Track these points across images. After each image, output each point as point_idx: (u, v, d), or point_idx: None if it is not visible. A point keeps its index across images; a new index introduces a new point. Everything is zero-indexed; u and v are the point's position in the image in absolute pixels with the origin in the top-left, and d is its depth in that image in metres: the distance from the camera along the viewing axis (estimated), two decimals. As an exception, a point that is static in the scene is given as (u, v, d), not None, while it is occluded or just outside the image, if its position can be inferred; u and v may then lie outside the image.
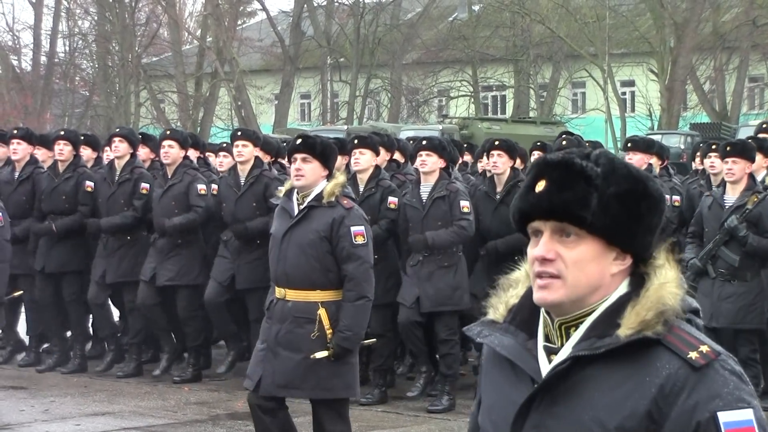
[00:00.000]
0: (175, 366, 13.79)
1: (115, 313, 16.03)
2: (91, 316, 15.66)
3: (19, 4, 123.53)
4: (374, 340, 10.37)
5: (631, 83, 56.98)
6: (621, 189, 3.25)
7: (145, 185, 14.35)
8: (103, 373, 14.79)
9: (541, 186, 3.21)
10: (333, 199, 8.96)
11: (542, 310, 3.34)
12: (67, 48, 65.13)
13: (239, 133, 14.35)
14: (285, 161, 14.37)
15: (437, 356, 12.54)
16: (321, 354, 8.71)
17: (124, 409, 12.96)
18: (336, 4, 59.76)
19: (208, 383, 13.40)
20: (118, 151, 14.60)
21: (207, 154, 16.80)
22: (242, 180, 13.66)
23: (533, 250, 3.23)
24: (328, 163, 9.11)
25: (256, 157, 13.87)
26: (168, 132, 15.25)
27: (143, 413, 12.74)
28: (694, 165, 17.16)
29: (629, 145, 14.64)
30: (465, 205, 12.19)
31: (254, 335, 11.34)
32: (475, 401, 3.60)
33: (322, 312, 8.88)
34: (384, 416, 12.06)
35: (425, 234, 11.93)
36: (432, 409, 11.27)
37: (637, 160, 13.54)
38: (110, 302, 15.34)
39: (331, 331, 8.84)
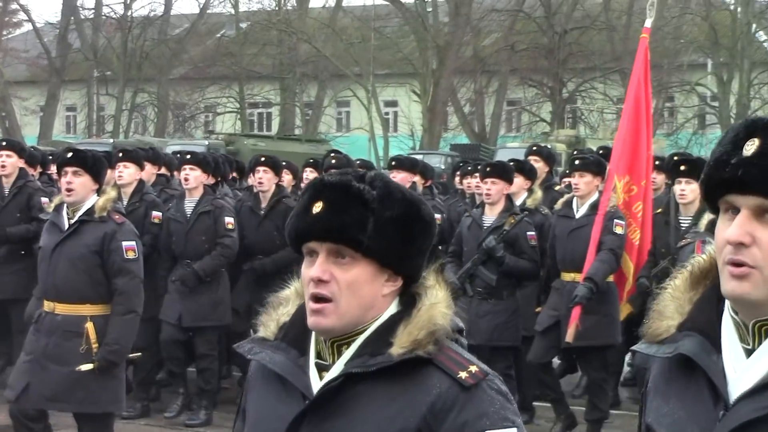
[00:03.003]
0: None
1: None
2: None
3: None
4: (140, 354, 9.63)
5: (395, 103, 56.60)
6: (396, 213, 3.19)
7: None
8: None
9: (318, 207, 3.16)
10: (105, 213, 8.46)
11: None
12: None
13: (3, 143, 13.18)
14: (54, 173, 12.95)
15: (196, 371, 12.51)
16: (86, 366, 8.18)
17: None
18: (104, 17, 58.47)
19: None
20: None
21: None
22: (6, 191, 12.69)
23: (309, 271, 3.17)
24: (98, 177, 8.61)
25: (21, 168, 12.84)
26: None
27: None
28: (455, 184, 17.58)
29: (394, 163, 14.32)
30: (229, 221, 11.78)
31: (17, 347, 10.68)
32: (238, 416, 3.48)
33: (89, 325, 8.33)
34: (147, 430, 11.59)
35: (193, 267, 11.40)
36: (189, 423, 11.00)
37: (401, 178, 13.19)
38: None
39: (97, 345, 8.33)
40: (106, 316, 8.60)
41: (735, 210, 2.67)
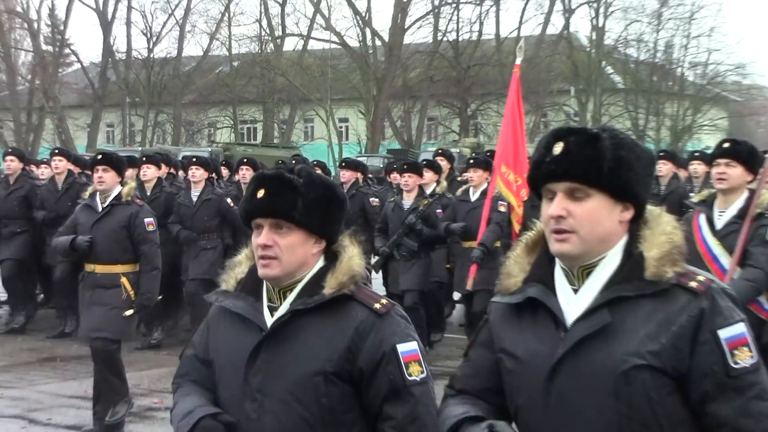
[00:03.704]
0: None
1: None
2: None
3: None
4: (160, 296, 10.04)
5: (346, 120, 57.75)
6: (318, 194, 3.54)
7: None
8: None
9: (261, 193, 3.49)
10: (129, 198, 9.10)
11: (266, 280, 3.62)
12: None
13: (56, 151, 14.47)
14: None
15: None
16: (129, 312, 8.90)
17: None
18: (133, 58, 58.21)
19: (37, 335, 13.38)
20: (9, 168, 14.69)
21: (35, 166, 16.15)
22: (59, 186, 13.71)
23: (257, 239, 3.51)
24: (121, 172, 9.23)
25: (69, 169, 13.84)
26: (10, 149, 15.41)
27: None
28: (388, 179, 17.28)
29: (343, 164, 14.97)
30: (230, 202, 12.65)
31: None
32: (187, 347, 3.78)
33: (124, 280, 9.04)
34: (151, 355, 12.33)
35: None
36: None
37: (348, 175, 14.26)
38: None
39: (133, 292, 8.98)
40: (135, 272, 9.17)
41: (553, 194, 3.11)
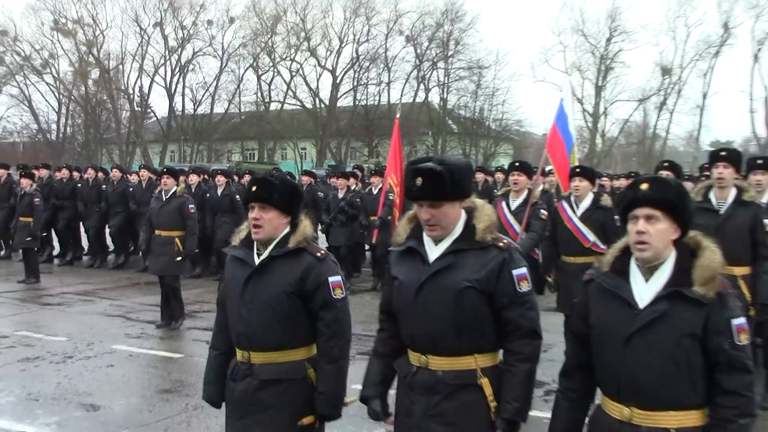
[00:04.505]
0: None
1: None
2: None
3: None
4: (197, 250, 11.31)
5: (305, 148, 60.07)
6: (287, 189, 4.15)
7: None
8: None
9: (254, 188, 4.10)
10: (181, 193, 10.92)
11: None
12: None
13: (142, 167, 17.22)
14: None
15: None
16: (179, 258, 10.80)
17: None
18: (186, 113, 61.74)
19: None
20: None
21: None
22: (143, 186, 15.86)
23: (251, 215, 4.05)
24: (177, 178, 10.89)
25: (150, 177, 16.19)
26: None
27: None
28: (329, 182, 19.00)
29: (304, 173, 17.36)
30: (237, 197, 14.47)
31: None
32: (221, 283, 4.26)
33: (177, 240, 10.96)
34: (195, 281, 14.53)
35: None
36: None
37: (306, 179, 16.62)
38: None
39: (182, 247, 10.84)
40: (182, 236, 10.81)
41: (422, 206, 3.69)
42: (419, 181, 3.68)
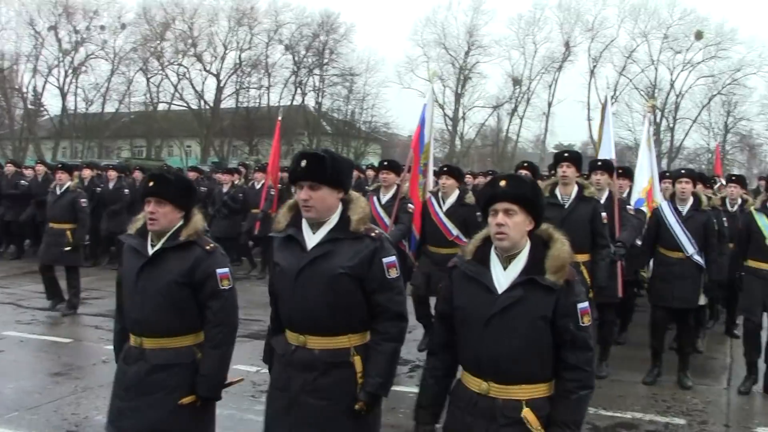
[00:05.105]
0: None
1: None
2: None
3: None
4: (88, 242, 10.28)
5: (190, 146, 57.09)
6: (181, 185, 4.12)
7: None
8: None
9: (151, 184, 4.06)
10: (74, 188, 10.34)
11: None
12: None
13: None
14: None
15: None
16: (68, 248, 10.18)
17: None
18: (72, 111, 56.49)
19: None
20: None
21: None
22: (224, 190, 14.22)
23: (147, 208, 3.93)
24: (71, 173, 10.45)
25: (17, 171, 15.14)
26: None
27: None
28: (213, 177, 17.99)
29: (189, 169, 17.27)
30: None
31: None
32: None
33: (68, 233, 10.48)
34: None
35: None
36: None
37: (192, 174, 16.07)
38: None
39: (72, 239, 10.28)
40: (74, 228, 10.49)
41: (302, 187, 3.63)
42: (303, 162, 3.66)
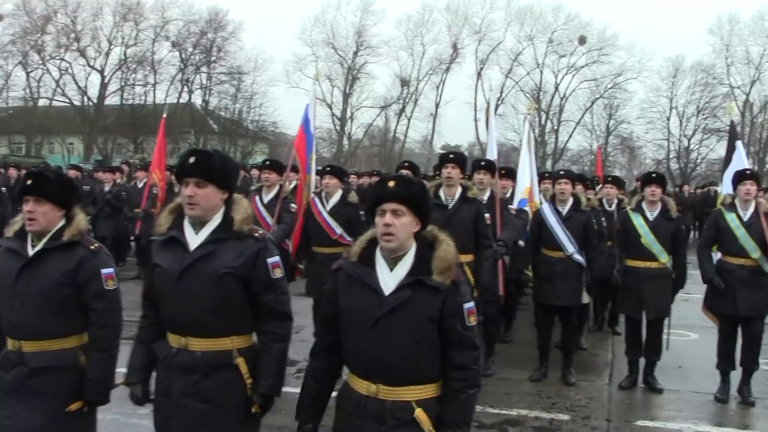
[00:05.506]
0: None
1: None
2: None
3: None
4: None
5: (72, 143, 55.33)
6: (62, 183, 4.02)
7: None
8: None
9: (29, 182, 3.88)
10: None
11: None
12: None
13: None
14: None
15: None
16: None
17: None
18: None
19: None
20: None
21: None
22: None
23: (25, 208, 3.79)
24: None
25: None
26: None
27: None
28: (94, 176, 17.52)
29: (70, 167, 16.84)
30: None
31: None
32: None
33: None
34: None
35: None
36: None
37: (72, 173, 15.75)
38: None
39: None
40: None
41: (188, 184, 3.57)
42: (192, 159, 3.64)
